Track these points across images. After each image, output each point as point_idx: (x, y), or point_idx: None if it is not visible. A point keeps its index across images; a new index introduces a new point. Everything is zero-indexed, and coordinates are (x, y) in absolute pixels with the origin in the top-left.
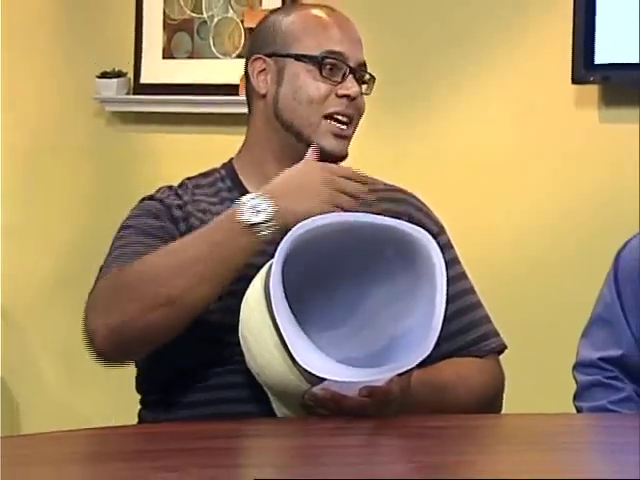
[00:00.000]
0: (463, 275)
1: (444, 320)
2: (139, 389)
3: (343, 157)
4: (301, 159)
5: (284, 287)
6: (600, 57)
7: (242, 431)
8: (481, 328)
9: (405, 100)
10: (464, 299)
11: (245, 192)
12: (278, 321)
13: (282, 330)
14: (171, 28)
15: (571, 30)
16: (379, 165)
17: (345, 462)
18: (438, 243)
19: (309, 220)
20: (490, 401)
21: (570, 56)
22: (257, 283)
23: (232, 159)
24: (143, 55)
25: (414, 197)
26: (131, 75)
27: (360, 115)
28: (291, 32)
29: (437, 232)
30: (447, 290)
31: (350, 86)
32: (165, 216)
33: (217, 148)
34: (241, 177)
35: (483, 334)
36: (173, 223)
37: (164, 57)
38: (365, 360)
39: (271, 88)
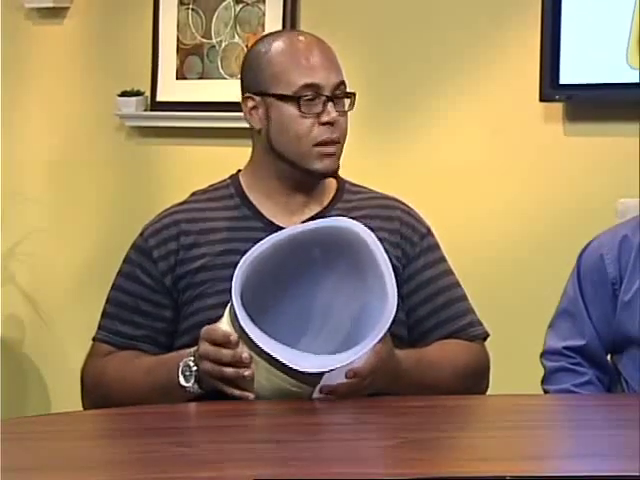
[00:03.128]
0: (450, 271)
1: (434, 310)
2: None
3: (335, 172)
4: (297, 182)
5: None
6: (564, 78)
7: (247, 410)
8: (467, 317)
9: (390, 119)
10: (452, 292)
11: (251, 206)
12: (262, 346)
13: (269, 351)
14: (184, 52)
15: (539, 54)
16: (368, 176)
17: (339, 438)
18: (427, 243)
19: (247, 254)
20: (476, 379)
21: (538, 77)
22: (224, 325)
23: (239, 172)
24: (159, 76)
25: (404, 204)
26: (148, 94)
27: (345, 133)
28: (270, 73)
29: (425, 233)
30: (435, 284)
31: (330, 112)
32: (146, 259)
33: (224, 158)
34: (246, 192)
35: (469, 322)
36: (153, 263)
37: (177, 78)
38: (340, 347)
39: (263, 124)
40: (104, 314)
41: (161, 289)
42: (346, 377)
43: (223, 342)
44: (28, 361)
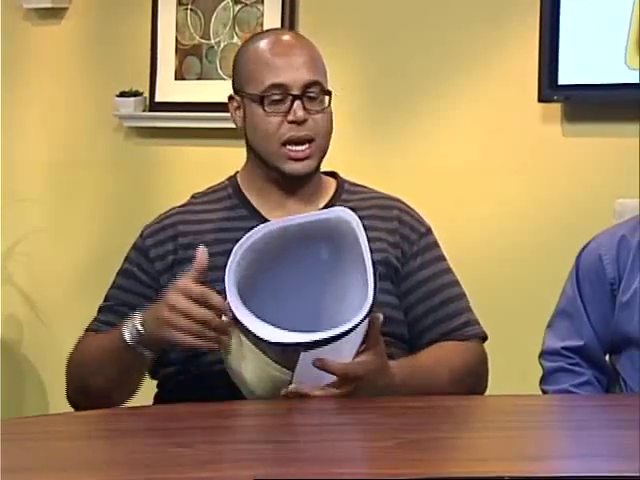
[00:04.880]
0: (448, 270)
1: (431, 309)
2: (151, 371)
3: (306, 175)
4: (274, 182)
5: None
6: (563, 78)
7: (247, 411)
8: (464, 316)
9: (389, 119)
10: (449, 290)
11: (249, 205)
12: (238, 316)
13: (244, 322)
14: (182, 53)
15: (537, 55)
16: (367, 176)
17: (338, 438)
18: (425, 242)
19: (243, 239)
20: (474, 381)
21: (536, 78)
22: None
23: (237, 173)
24: (157, 76)
25: (403, 203)
26: (147, 94)
27: (323, 132)
28: (244, 72)
29: (425, 232)
30: (433, 282)
31: (296, 111)
32: (144, 258)
33: (223, 159)
34: (244, 191)
35: (466, 321)
36: (150, 262)
37: (176, 78)
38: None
39: (243, 122)
40: (98, 310)
41: (156, 287)
42: (313, 365)
43: (199, 299)
44: (26, 361)
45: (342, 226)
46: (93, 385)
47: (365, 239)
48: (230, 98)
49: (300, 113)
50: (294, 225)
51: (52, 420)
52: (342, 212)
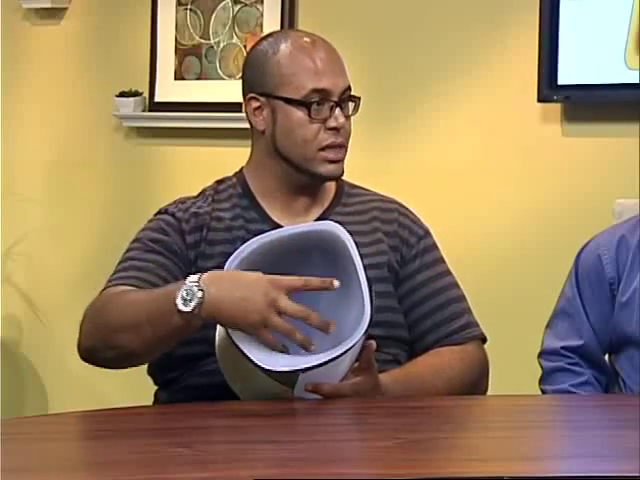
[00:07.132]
0: (447, 272)
1: (430, 312)
2: (150, 372)
3: (340, 176)
4: (301, 184)
5: None
6: (563, 79)
7: (246, 411)
8: (463, 318)
9: (389, 119)
10: (448, 293)
11: (253, 200)
12: (236, 340)
13: (240, 346)
14: (182, 53)
15: (537, 56)
16: (367, 176)
17: (337, 438)
18: (424, 245)
19: (236, 252)
20: (473, 386)
21: (536, 78)
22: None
23: (242, 168)
24: (157, 76)
25: (402, 205)
26: (146, 94)
27: (349, 137)
28: (278, 75)
29: (423, 235)
30: (431, 285)
31: (338, 117)
32: (173, 230)
33: (222, 159)
34: (250, 186)
35: (465, 323)
36: (180, 235)
37: (176, 78)
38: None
39: (268, 125)
40: (115, 269)
41: (185, 260)
42: (305, 389)
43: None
44: (26, 361)
45: (336, 242)
46: (124, 344)
47: (359, 259)
48: (249, 99)
49: (342, 120)
50: (287, 236)
51: (52, 420)
52: (336, 229)
